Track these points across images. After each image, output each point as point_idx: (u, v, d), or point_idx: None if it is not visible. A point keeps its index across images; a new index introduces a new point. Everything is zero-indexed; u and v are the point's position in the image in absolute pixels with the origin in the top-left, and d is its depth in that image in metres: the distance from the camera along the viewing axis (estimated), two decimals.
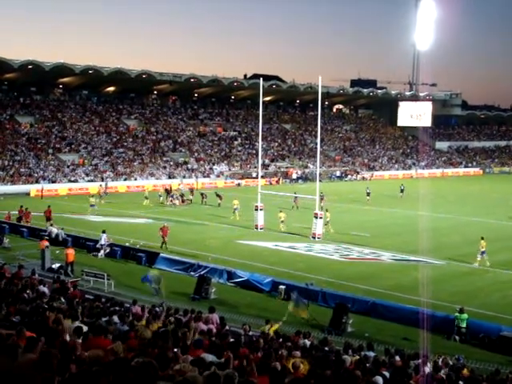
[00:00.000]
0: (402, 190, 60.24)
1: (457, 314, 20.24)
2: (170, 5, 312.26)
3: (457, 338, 19.94)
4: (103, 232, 31.62)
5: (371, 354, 13.80)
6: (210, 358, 8.91)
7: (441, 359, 14.68)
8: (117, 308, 16.07)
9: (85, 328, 10.19)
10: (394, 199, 58.40)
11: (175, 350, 8.96)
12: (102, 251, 30.89)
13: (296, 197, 48.13)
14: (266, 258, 30.99)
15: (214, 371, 6.15)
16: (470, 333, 20.03)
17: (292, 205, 48.29)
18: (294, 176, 79.13)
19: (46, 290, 17.74)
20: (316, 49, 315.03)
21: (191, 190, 56.20)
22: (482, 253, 30.10)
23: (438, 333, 19.87)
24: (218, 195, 51.15)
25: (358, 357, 12.78)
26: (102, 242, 31.06)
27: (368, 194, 55.70)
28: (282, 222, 39.57)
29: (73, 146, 71.63)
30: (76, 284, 22.91)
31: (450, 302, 23.21)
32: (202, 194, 52.35)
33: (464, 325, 19.98)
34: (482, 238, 30.47)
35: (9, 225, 36.95)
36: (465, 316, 20.07)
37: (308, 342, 14.77)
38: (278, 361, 9.62)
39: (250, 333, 15.39)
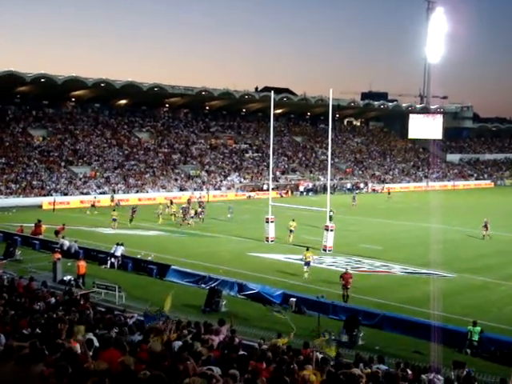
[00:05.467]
0: (389, 193, 73.20)
1: (470, 326, 20.13)
2: (181, 19, 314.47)
3: (468, 351, 19.80)
4: (121, 244, 31.89)
5: (382, 366, 13.73)
6: (218, 370, 8.90)
7: (453, 372, 14.58)
8: (128, 320, 16.07)
9: (95, 340, 10.22)
10: (404, 211, 58.34)
11: (187, 362, 8.95)
12: (116, 262, 31.28)
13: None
14: (276, 271, 30.98)
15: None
16: (482, 346, 19.90)
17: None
18: (301, 188, 78.80)
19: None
20: (327, 62, 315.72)
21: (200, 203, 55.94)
22: (307, 263, 29.82)
23: (450, 346, 19.73)
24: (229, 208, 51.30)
25: (369, 370, 12.72)
26: (118, 253, 31.41)
27: (354, 199, 61.78)
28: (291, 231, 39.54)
29: (85, 159, 72.08)
30: (87, 296, 22.87)
31: (462, 315, 23.08)
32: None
33: (477, 338, 19.86)
34: (308, 249, 30.44)
35: (21, 237, 37.16)
36: (478, 329, 19.95)
37: (320, 356, 14.68)
38: (289, 374, 9.58)
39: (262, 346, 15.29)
